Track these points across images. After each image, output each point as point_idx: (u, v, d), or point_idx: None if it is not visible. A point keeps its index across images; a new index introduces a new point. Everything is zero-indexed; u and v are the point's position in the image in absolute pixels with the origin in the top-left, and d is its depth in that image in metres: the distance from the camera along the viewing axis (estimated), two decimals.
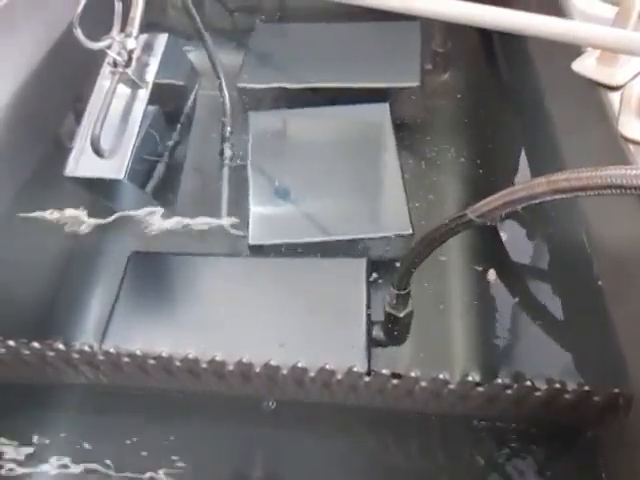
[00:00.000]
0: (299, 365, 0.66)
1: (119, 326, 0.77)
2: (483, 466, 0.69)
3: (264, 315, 0.77)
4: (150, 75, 0.96)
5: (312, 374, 0.66)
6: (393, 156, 0.96)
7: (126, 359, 0.68)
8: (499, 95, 1.17)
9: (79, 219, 0.93)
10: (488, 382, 0.64)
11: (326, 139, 1.02)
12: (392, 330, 0.78)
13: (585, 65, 0.79)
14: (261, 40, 1.19)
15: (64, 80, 1.09)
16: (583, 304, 0.78)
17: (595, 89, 0.77)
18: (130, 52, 0.91)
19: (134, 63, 0.93)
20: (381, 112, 1.03)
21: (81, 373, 0.72)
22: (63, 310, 0.86)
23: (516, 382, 0.64)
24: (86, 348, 0.68)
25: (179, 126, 1.08)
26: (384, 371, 0.65)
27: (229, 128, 1.06)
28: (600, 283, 0.75)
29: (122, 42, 0.90)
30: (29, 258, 0.91)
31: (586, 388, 0.63)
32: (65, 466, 0.70)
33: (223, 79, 1.09)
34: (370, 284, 0.80)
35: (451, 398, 0.67)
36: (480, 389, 0.64)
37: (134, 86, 0.94)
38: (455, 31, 1.21)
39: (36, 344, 0.68)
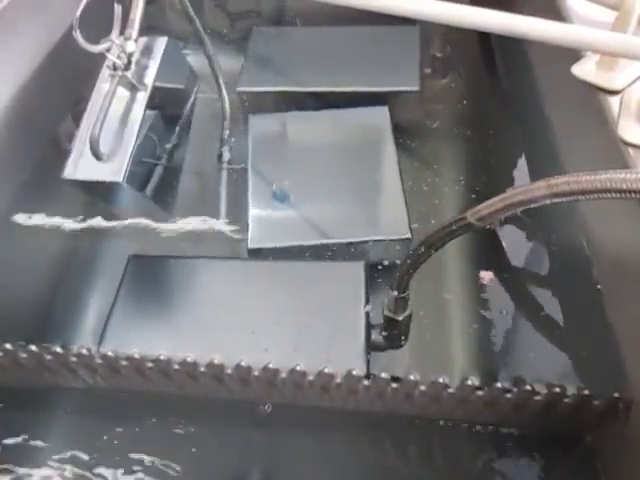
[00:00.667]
0: (298, 369, 0.66)
1: (117, 329, 0.76)
2: (482, 470, 0.68)
3: (262, 318, 0.77)
4: (149, 78, 0.96)
5: (311, 378, 0.66)
6: (392, 160, 0.96)
7: (124, 362, 0.68)
8: (498, 99, 1.17)
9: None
10: (488, 386, 0.64)
11: (325, 143, 1.02)
12: (391, 334, 0.78)
13: (585, 69, 0.80)
14: (260, 44, 1.19)
15: (64, 83, 1.09)
16: (582, 308, 0.78)
17: (595, 93, 0.77)
18: (129, 55, 0.91)
19: (133, 66, 0.93)
20: (380, 116, 1.03)
21: (79, 377, 0.72)
22: (61, 313, 0.86)
23: (516, 386, 0.64)
24: (84, 351, 0.68)
25: (178, 129, 1.08)
26: (383, 375, 0.65)
27: (228, 131, 1.06)
28: (599, 287, 0.75)
29: (121, 45, 0.90)
30: (27, 261, 0.91)
31: (586, 392, 0.62)
32: (63, 469, 0.70)
33: (222, 82, 1.09)
34: (369, 287, 0.79)
35: (450, 402, 0.66)
36: (480, 393, 0.64)
37: (133, 89, 0.94)
38: (454, 35, 1.22)
39: (33, 347, 0.68)
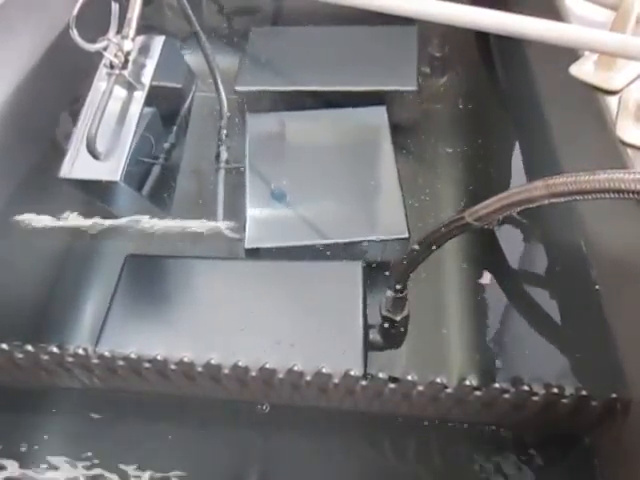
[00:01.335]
0: (295, 369, 0.66)
1: (114, 329, 0.76)
2: (481, 471, 0.68)
3: (260, 318, 0.76)
4: (147, 77, 0.96)
5: (308, 378, 0.66)
6: (390, 159, 0.96)
7: (121, 362, 0.67)
8: (496, 99, 1.17)
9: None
10: (486, 386, 0.64)
11: (323, 142, 1.02)
12: (389, 334, 0.77)
13: (583, 69, 0.79)
14: (258, 43, 1.19)
15: (61, 82, 1.08)
16: (581, 308, 0.78)
17: (593, 93, 0.77)
18: (127, 54, 0.91)
19: (131, 65, 0.92)
20: (378, 115, 1.03)
21: (75, 377, 0.72)
22: (58, 313, 0.86)
23: (514, 386, 0.64)
24: (80, 351, 0.68)
25: (175, 128, 1.08)
26: (381, 375, 0.65)
27: (225, 131, 1.06)
28: (598, 287, 0.75)
29: (119, 44, 0.90)
30: (24, 260, 0.91)
31: (584, 393, 0.62)
32: (59, 470, 0.69)
33: (220, 81, 1.09)
34: (366, 287, 0.79)
35: (449, 402, 0.66)
36: (478, 393, 0.64)
37: (130, 88, 0.94)
38: (452, 35, 1.21)
39: (29, 347, 0.68)
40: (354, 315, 0.76)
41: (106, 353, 0.67)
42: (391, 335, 0.78)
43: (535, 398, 0.63)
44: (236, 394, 0.71)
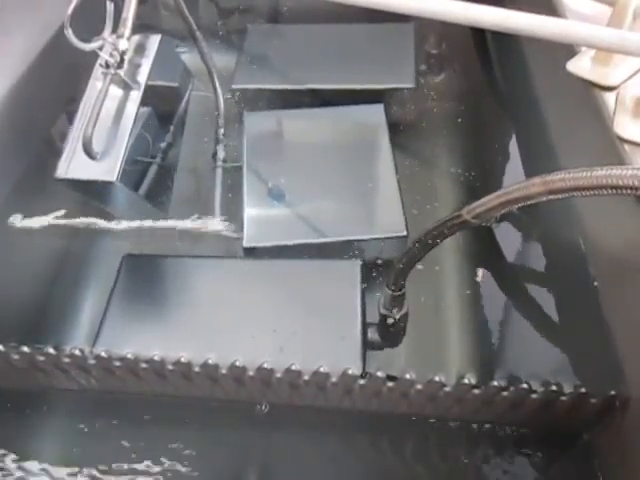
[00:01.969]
0: (293, 368, 0.65)
1: (112, 329, 0.76)
2: (480, 469, 0.68)
3: (258, 317, 0.76)
4: (143, 76, 0.95)
5: (306, 377, 0.66)
6: (388, 157, 0.95)
7: (117, 363, 0.67)
8: (493, 96, 1.17)
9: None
10: (484, 384, 0.64)
11: (321, 140, 1.02)
12: (387, 332, 0.77)
13: (580, 65, 0.79)
14: (255, 41, 1.18)
15: (56, 82, 1.08)
16: (579, 305, 0.78)
17: (590, 89, 0.77)
18: (122, 53, 0.90)
19: (126, 64, 0.92)
20: (376, 113, 1.03)
21: (72, 378, 0.71)
22: (55, 314, 0.86)
23: (512, 384, 0.64)
24: (77, 352, 0.67)
25: (172, 127, 1.07)
26: (379, 374, 0.65)
27: (223, 129, 1.05)
28: (596, 284, 0.75)
29: (114, 43, 0.89)
30: (20, 261, 0.91)
31: (583, 390, 0.62)
32: (56, 470, 0.69)
33: (217, 80, 1.08)
34: (365, 286, 0.79)
35: (447, 400, 0.66)
36: (476, 391, 0.64)
37: (126, 87, 0.93)
38: (449, 32, 1.21)
39: (25, 348, 0.68)
40: (352, 313, 0.76)
41: (103, 354, 0.67)
42: (390, 333, 0.78)
43: (534, 396, 0.63)
44: (234, 394, 0.70)
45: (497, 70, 1.21)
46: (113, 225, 0.93)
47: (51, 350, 0.68)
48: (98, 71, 0.93)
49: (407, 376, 0.64)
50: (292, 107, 1.06)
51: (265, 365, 0.66)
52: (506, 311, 0.81)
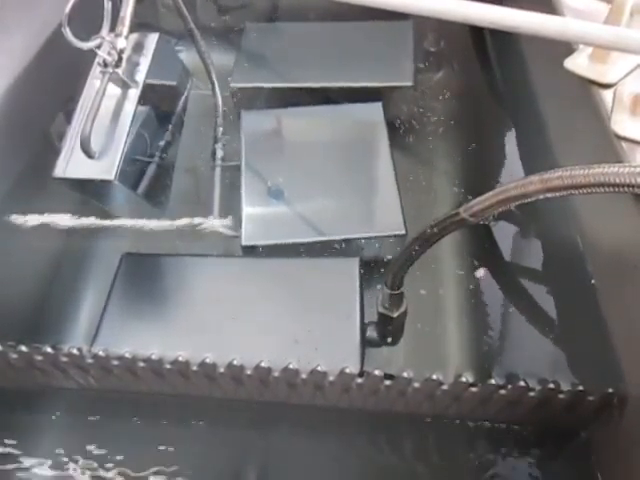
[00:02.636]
0: (291, 367, 0.65)
1: (111, 328, 0.76)
2: (477, 467, 0.68)
3: (256, 316, 0.76)
4: (141, 75, 0.95)
5: (304, 376, 0.66)
6: (386, 155, 0.95)
7: (115, 362, 0.67)
8: (492, 94, 1.17)
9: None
10: (482, 382, 0.64)
11: (319, 138, 1.01)
12: (385, 331, 0.77)
13: (577, 63, 0.79)
14: (253, 39, 1.18)
15: (54, 80, 1.08)
16: (577, 303, 0.78)
17: (588, 87, 0.77)
18: (120, 52, 0.90)
19: (124, 63, 0.92)
20: (374, 111, 1.03)
21: (70, 377, 0.71)
22: (54, 313, 0.85)
23: (510, 382, 0.63)
24: (75, 351, 0.67)
25: (170, 126, 1.07)
26: (377, 372, 0.65)
27: (221, 128, 1.05)
28: (594, 282, 0.75)
29: (112, 42, 0.89)
30: (18, 260, 0.91)
31: (580, 388, 0.62)
32: (55, 470, 0.69)
33: (215, 79, 1.08)
34: (363, 284, 0.79)
35: (445, 399, 0.66)
36: (474, 389, 0.64)
37: (124, 86, 0.93)
38: (448, 30, 1.21)
39: (23, 347, 0.68)
40: (351, 312, 0.76)
41: (100, 353, 0.67)
42: (388, 332, 0.78)
43: (531, 394, 0.63)
44: (232, 393, 0.70)
45: (495, 68, 1.20)
46: (111, 224, 0.93)
47: (49, 349, 0.68)
48: (96, 70, 0.93)
49: (405, 374, 0.64)
50: (290, 105, 1.06)
51: (263, 364, 0.65)
52: (503, 309, 0.81)
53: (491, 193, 0.55)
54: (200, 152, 1.05)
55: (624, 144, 0.68)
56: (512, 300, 0.82)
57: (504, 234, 0.89)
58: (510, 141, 1.04)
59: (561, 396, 0.62)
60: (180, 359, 0.66)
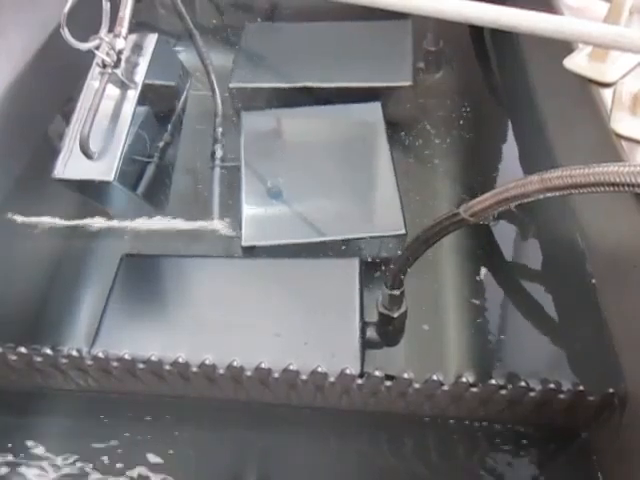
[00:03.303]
0: (291, 368, 0.65)
1: (110, 329, 0.75)
2: (478, 468, 0.68)
3: (256, 317, 0.76)
4: (140, 75, 0.95)
5: (304, 377, 0.66)
6: (386, 155, 0.95)
7: (115, 364, 0.67)
8: (491, 93, 1.17)
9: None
10: (482, 383, 0.64)
11: (319, 139, 1.01)
12: (386, 331, 0.77)
13: (577, 62, 0.79)
14: (252, 40, 1.18)
15: (53, 81, 1.08)
16: (577, 303, 0.78)
17: (587, 86, 0.77)
18: (119, 52, 0.90)
19: (123, 63, 0.92)
20: (373, 111, 1.02)
21: (70, 378, 0.71)
22: (53, 314, 0.85)
23: (510, 383, 0.63)
24: (74, 353, 0.67)
25: (170, 127, 1.07)
26: (377, 373, 0.65)
27: (220, 128, 1.05)
28: (594, 281, 0.74)
29: (111, 42, 0.89)
30: (18, 261, 0.90)
31: (581, 388, 0.62)
32: (54, 472, 0.69)
33: (214, 79, 1.08)
34: (363, 284, 0.79)
35: (445, 399, 0.66)
36: (474, 390, 0.64)
37: (123, 87, 0.93)
38: (447, 30, 1.20)
39: (23, 349, 0.68)
40: (351, 312, 0.75)
41: (100, 354, 0.67)
42: (388, 332, 0.77)
43: (532, 394, 0.63)
44: (232, 394, 0.70)
45: (495, 67, 1.20)
46: (111, 224, 0.93)
47: (48, 351, 0.68)
48: (95, 70, 0.93)
49: (405, 375, 0.64)
50: (290, 106, 1.05)
51: (263, 365, 0.65)
52: (504, 309, 0.81)
53: (491, 193, 0.55)
54: (199, 152, 1.05)
55: (624, 143, 0.67)
56: (512, 300, 0.82)
57: (504, 234, 0.88)
58: (510, 140, 1.04)
59: (562, 396, 0.62)
60: (180, 360, 0.66)
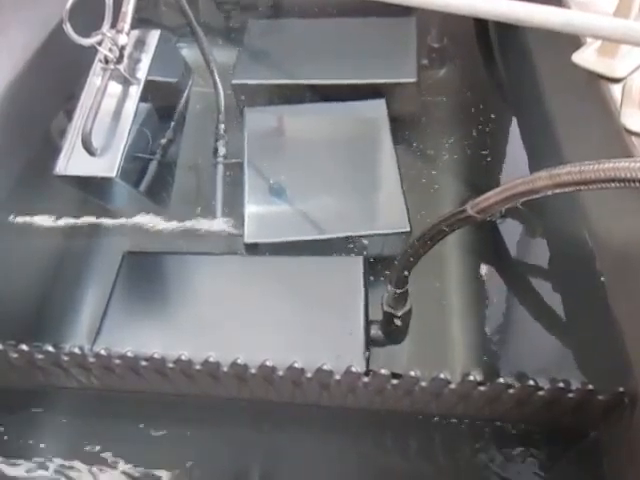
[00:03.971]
0: (296, 366, 0.65)
1: (113, 327, 0.75)
2: (485, 467, 0.67)
3: (260, 315, 0.75)
4: (142, 72, 0.95)
5: (309, 375, 0.65)
6: (390, 152, 0.94)
7: (117, 361, 0.67)
8: (497, 89, 1.16)
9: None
10: (490, 381, 0.63)
11: (322, 136, 1.01)
12: (391, 329, 0.76)
13: (585, 57, 0.78)
14: (255, 36, 1.17)
15: (55, 77, 1.07)
16: (586, 301, 0.77)
17: (596, 81, 0.76)
18: (121, 48, 0.89)
19: (126, 60, 0.91)
20: (378, 108, 1.02)
21: (72, 376, 0.71)
22: (55, 311, 0.85)
23: (518, 381, 0.63)
24: (76, 350, 0.67)
25: (172, 124, 1.06)
26: (383, 371, 0.64)
27: (223, 125, 1.05)
28: (603, 279, 0.74)
29: (113, 38, 0.88)
30: (20, 259, 0.90)
31: (590, 387, 0.61)
32: (56, 469, 0.69)
33: (217, 76, 1.08)
34: (368, 282, 0.78)
35: (452, 398, 0.65)
36: (482, 389, 0.63)
37: (126, 83, 0.93)
38: (451, 26, 1.20)
39: (24, 347, 0.67)
40: (356, 310, 0.75)
41: (102, 352, 0.66)
42: (393, 330, 0.77)
43: (540, 393, 0.62)
44: (235, 392, 0.70)
45: (500, 63, 1.19)
46: (113, 222, 0.93)
47: (50, 348, 0.67)
48: (97, 67, 0.92)
49: (411, 373, 0.63)
50: (293, 102, 1.05)
51: (267, 363, 0.65)
52: (512, 307, 0.80)
53: (498, 189, 0.54)
54: (202, 149, 1.04)
55: (634, 138, 0.67)
56: (520, 298, 0.81)
57: (511, 231, 0.88)
58: (517, 137, 1.03)
59: (570, 395, 0.62)
60: (183, 358, 0.65)
